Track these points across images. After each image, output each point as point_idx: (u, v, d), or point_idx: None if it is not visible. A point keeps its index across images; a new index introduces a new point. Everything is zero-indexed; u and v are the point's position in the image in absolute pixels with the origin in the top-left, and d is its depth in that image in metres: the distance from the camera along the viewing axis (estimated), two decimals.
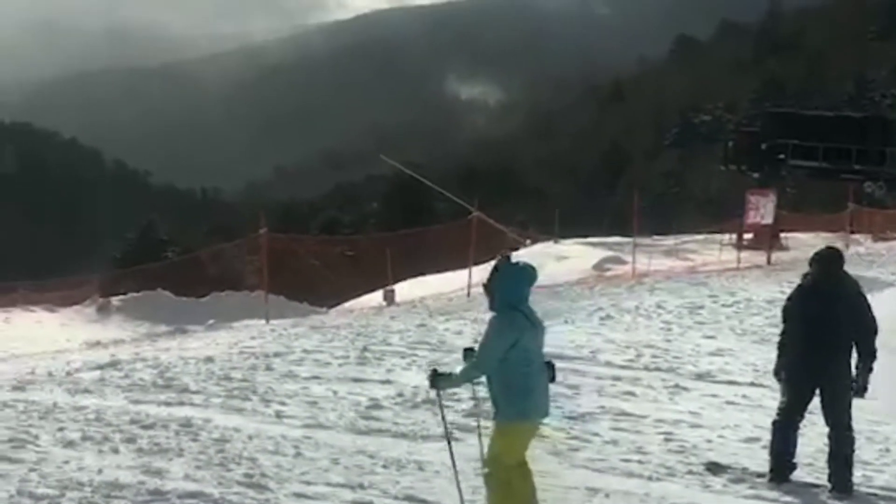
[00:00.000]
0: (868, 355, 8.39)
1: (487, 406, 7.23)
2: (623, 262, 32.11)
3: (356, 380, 12.26)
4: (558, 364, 13.29)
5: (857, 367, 8.39)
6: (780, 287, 21.71)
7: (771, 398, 11.34)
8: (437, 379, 7.16)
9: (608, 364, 13.52)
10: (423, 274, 33.40)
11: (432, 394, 11.31)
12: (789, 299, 8.74)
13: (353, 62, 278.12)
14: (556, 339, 15.54)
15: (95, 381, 12.44)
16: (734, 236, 37.91)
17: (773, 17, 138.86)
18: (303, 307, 29.86)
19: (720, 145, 55.62)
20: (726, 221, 41.18)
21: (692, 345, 14.84)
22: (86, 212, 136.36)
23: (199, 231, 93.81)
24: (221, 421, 10.20)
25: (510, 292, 6.94)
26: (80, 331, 27.34)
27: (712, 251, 36.09)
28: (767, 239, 33.95)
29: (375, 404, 10.94)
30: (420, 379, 12.28)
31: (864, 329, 8.43)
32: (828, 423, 8.41)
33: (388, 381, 12.19)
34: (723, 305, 18.64)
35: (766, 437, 8.87)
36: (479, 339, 7.16)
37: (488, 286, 7.01)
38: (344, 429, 10.02)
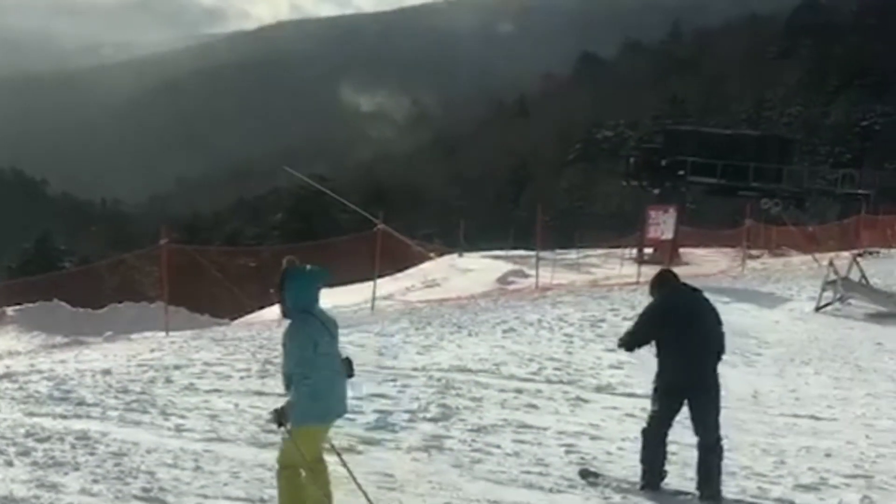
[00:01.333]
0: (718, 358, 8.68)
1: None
2: (526, 276, 32.33)
3: (258, 393, 12.13)
4: (462, 377, 13.39)
5: None
6: None
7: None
8: (281, 414, 6.91)
9: (511, 377, 13.60)
10: (326, 286, 33.22)
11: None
12: (655, 311, 8.81)
13: (255, 74, 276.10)
14: (460, 351, 15.62)
15: None
16: (635, 251, 38.49)
17: (675, 37, 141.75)
18: (204, 319, 29.42)
19: (622, 161, 56.43)
20: (627, 236, 41.81)
21: (593, 357, 15.01)
22: None
23: (97, 241, 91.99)
24: (119, 434, 10.01)
25: (301, 297, 7.01)
26: None
27: (613, 265, 36.60)
28: (667, 254, 34.55)
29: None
30: None
31: (721, 337, 8.71)
32: (697, 432, 8.57)
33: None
34: (623, 318, 18.86)
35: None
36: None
37: (278, 293, 7.02)
38: (245, 442, 9.91)
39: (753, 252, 39.38)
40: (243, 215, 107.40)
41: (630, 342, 8.87)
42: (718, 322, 8.72)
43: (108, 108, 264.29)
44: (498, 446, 9.99)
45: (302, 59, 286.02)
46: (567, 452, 9.89)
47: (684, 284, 8.89)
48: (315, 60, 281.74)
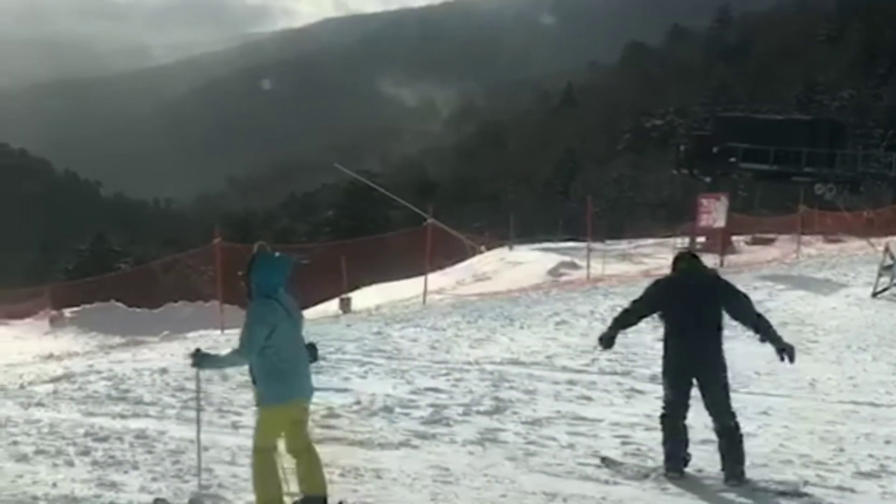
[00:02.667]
0: (763, 321, 8.58)
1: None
2: (578, 268, 32.25)
3: (313, 388, 12.19)
4: (515, 370, 13.39)
5: (762, 340, 8.56)
6: None
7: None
8: (201, 359, 7.31)
9: (564, 369, 13.58)
10: (378, 282, 33.35)
11: (389, 401, 11.38)
12: (656, 288, 8.84)
13: (302, 71, 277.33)
14: (513, 344, 15.62)
15: (49, 393, 12.31)
16: (687, 240, 38.17)
17: (723, 23, 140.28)
18: None
19: (672, 150, 56.02)
20: (679, 225, 41.48)
21: (646, 348, 14.92)
22: (37, 223, 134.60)
23: (151, 242, 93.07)
24: (177, 432, 10.12)
25: (266, 281, 7.22)
26: (32, 344, 27.01)
27: (666, 255, 36.30)
28: (720, 242, 34.24)
29: (332, 413, 10.89)
30: (378, 387, 12.28)
31: (743, 302, 8.60)
32: (710, 415, 8.59)
33: (344, 390, 12.16)
34: None
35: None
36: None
37: (245, 276, 7.27)
38: None
39: (807, 238, 38.92)
40: (294, 212, 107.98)
41: (620, 316, 8.94)
42: (730, 290, 8.63)
43: (159, 110, 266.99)
44: (553, 438, 9.97)
45: (348, 54, 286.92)
46: (622, 444, 9.85)
47: (696, 266, 8.80)
48: (361, 56, 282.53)
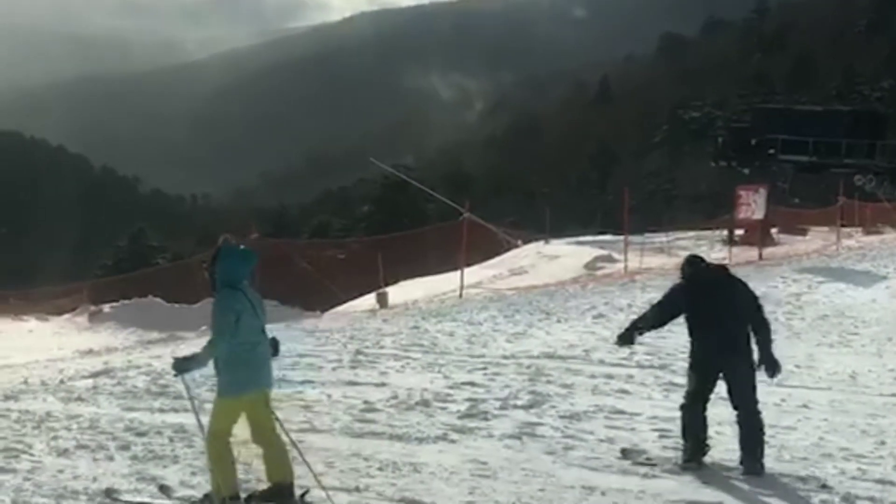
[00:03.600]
0: (766, 329, 8.60)
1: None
2: (615, 261, 32.10)
3: (350, 383, 12.24)
4: (552, 364, 13.35)
5: (758, 345, 8.56)
6: (773, 282, 21.79)
7: (764, 393, 11.36)
8: (181, 363, 7.38)
9: (602, 362, 13.52)
10: (415, 276, 33.37)
11: (426, 395, 11.38)
12: (676, 293, 8.91)
13: (335, 65, 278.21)
14: (550, 338, 15.57)
15: (89, 389, 12.42)
16: (725, 232, 37.92)
17: (760, 13, 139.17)
18: (295, 311, 29.74)
19: (710, 142, 55.68)
20: (717, 218, 41.20)
21: (685, 341, 14.78)
22: (75, 219, 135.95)
23: (189, 237, 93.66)
24: None
25: (229, 273, 7.38)
26: (72, 339, 27.20)
27: (704, 248, 36.09)
28: (758, 234, 33.98)
29: (370, 407, 10.92)
30: (415, 381, 12.28)
31: (754, 306, 8.66)
32: (733, 406, 8.61)
33: (382, 384, 12.17)
34: None
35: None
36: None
37: (209, 269, 7.44)
38: (339, 432, 9.99)
39: (847, 230, 38.56)
40: (329, 207, 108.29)
41: (639, 319, 9.06)
42: (749, 297, 8.69)
43: (193, 105, 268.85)
44: (591, 432, 9.93)
45: (381, 49, 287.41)
46: (660, 437, 9.79)
47: (708, 265, 8.98)
48: (394, 50, 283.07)
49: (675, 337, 14.96)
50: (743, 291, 8.72)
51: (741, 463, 8.56)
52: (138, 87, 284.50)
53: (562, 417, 10.50)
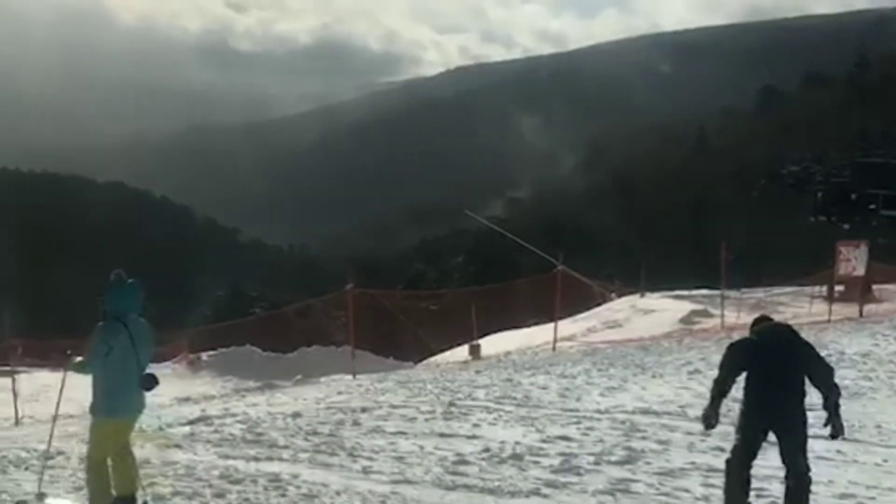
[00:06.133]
0: (834, 393, 8.43)
1: None
2: (711, 316, 31.66)
3: (442, 435, 12.25)
4: (647, 419, 13.19)
5: (825, 408, 8.40)
6: (874, 339, 21.25)
7: (865, 452, 11.08)
8: (71, 364, 8.47)
9: (698, 419, 13.28)
10: (507, 328, 33.31)
11: (519, 449, 11.33)
12: (734, 350, 8.80)
13: (432, 118, 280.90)
14: (644, 393, 15.40)
15: (186, 436, 12.63)
16: (825, 288, 37.15)
17: (861, 66, 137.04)
18: (389, 362, 29.91)
19: (809, 196, 54.87)
20: (816, 273, 40.39)
21: None
22: (178, 270, 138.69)
23: (286, 287, 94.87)
24: (309, 476, 10.26)
25: (115, 305, 8.19)
26: (170, 386, 27.63)
27: (803, 304, 35.38)
28: (859, 291, 33.22)
29: (462, 459, 10.90)
30: (508, 435, 12.23)
31: (823, 369, 8.51)
32: (784, 465, 8.46)
33: (474, 437, 12.16)
34: None
35: (862, 493, 8.68)
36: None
37: (100, 300, 8.20)
38: (431, 484, 10.00)
39: None
40: (424, 257, 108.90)
41: (713, 389, 8.86)
42: (810, 354, 8.54)
43: (291, 157, 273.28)
44: (687, 490, 9.79)
45: (475, 102, 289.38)
46: (757, 496, 9.58)
47: (775, 324, 8.87)
48: (487, 103, 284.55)
49: None
50: (806, 351, 8.59)
51: None
52: (232, 139, 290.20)
53: (656, 474, 10.36)
